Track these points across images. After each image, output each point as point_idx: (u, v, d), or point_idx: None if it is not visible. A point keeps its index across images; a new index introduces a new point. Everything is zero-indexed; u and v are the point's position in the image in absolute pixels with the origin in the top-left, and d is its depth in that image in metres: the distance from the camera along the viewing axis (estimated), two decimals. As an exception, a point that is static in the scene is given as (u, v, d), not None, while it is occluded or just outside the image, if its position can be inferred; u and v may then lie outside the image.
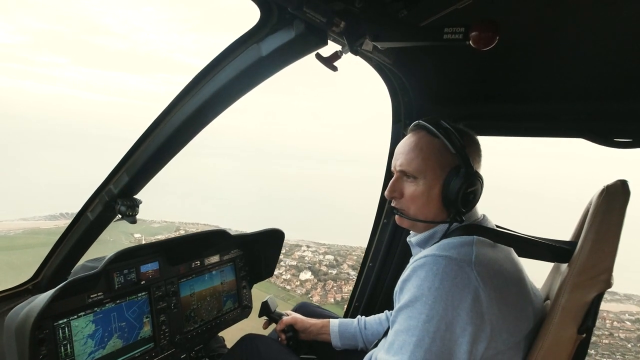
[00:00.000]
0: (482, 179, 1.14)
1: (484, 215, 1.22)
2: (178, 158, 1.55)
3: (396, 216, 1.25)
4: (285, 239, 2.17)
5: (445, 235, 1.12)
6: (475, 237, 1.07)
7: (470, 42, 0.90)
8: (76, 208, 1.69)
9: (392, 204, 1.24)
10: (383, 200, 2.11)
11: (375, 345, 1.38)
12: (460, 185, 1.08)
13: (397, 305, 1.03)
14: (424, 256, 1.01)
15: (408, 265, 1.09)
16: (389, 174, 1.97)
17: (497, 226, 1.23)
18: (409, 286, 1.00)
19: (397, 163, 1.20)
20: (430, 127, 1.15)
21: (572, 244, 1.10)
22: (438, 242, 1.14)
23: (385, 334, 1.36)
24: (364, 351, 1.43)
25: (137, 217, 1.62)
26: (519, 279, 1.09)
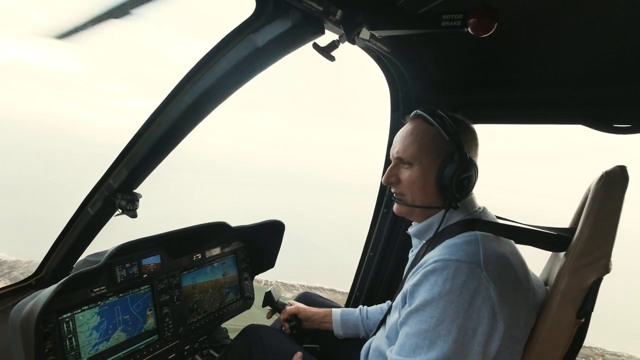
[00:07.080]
0: (476, 166, 1.14)
1: (484, 208, 1.22)
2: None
3: (395, 205, 1.27)
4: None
5: (442, 223, 1.13)
6: (478, 232, 1.07)
7: (469, 29, 0.89)
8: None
9: (392, 190, 1.27)
10: (383, 190, 2.12)
11: (375, 333, 1.39)
12: (454, 170, 1.10)
13: (407, 308, 1.03)
14: (434, 261, 1.00)
15: (416, 267, 1.08)
16: (387, 162, 1.97)
17: (497, 217, 1.23)
18: (420, 291, 1.00)
19: (394, 150, 1.24)
20: (426, 115, 1.17)
21: (571, 230, 1.10)
22: (436, 232, 1.15)
23: (383, 321, 1.37)
24: (366, 340, 1.45)
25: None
26: (525, 272, 1.09)
